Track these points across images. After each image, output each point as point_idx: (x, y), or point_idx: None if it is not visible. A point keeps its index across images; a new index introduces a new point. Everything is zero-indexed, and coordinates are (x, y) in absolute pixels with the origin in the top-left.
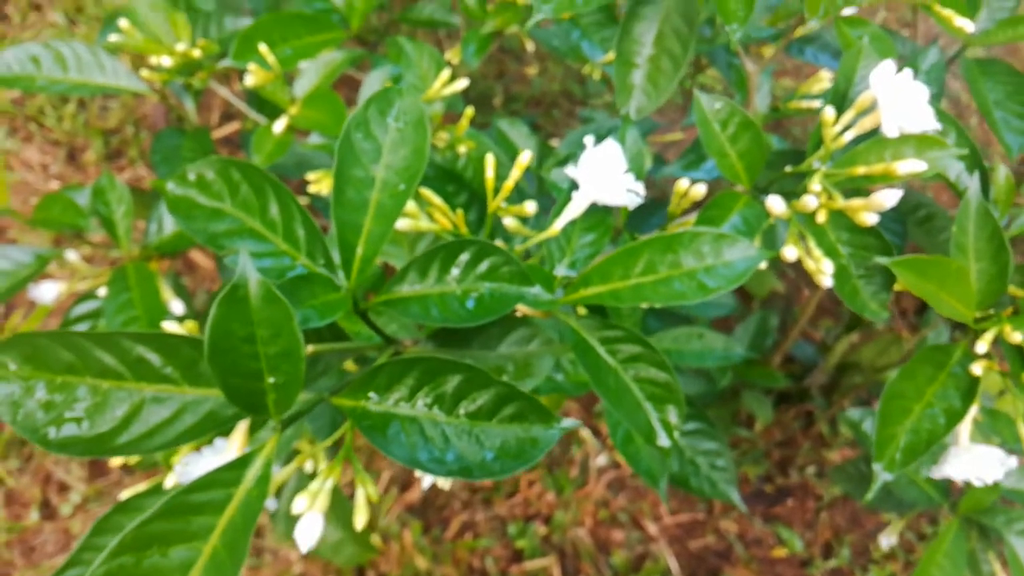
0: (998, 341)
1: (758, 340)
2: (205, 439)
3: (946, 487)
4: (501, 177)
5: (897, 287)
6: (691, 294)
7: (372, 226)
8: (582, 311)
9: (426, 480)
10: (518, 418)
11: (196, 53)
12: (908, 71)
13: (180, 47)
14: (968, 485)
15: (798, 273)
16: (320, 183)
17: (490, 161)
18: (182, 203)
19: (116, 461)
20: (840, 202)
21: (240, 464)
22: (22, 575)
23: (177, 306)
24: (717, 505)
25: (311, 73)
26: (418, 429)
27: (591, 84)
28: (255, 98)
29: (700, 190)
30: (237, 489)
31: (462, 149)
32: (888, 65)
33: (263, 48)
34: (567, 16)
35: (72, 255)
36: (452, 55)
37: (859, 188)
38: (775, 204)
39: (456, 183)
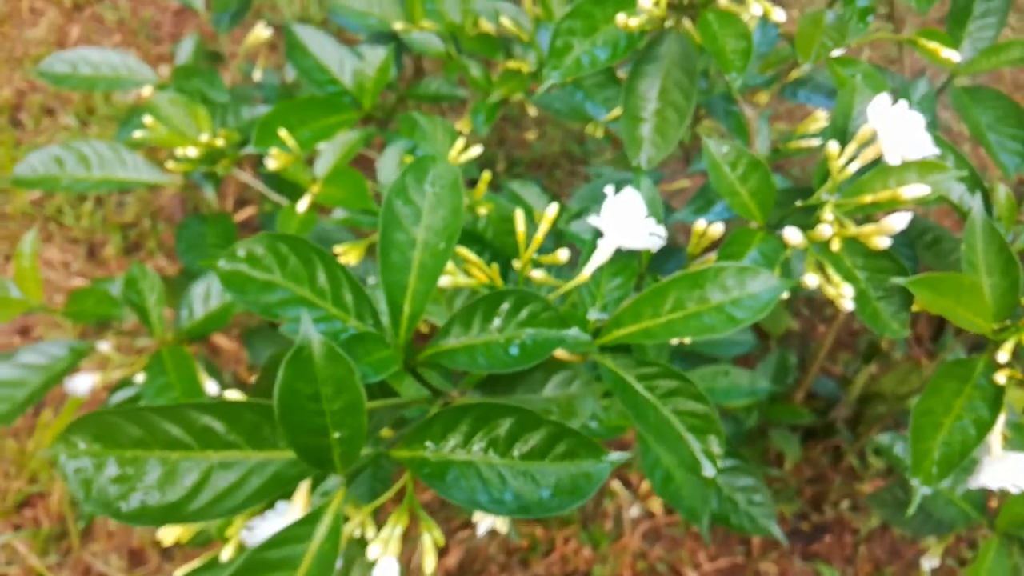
0: (1018, 353)
1: (779, 378)
2: (270, 501)
3: (983, 504)
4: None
5: (915, 308)
6: (720, 327)
7: (417, 284)
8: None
9: (482, 526)
10: (570, 455)
11: (219, 142)
12: (903, 102)
13: (204, 137)
14: (1004, 499)
15: (812, 310)
16: (348, 255)
17: (520, 216)
18: (235, 278)
19: (168, 539)
20: (852, 229)
21: (311, 520)
22: None
23: (212, 386)
24: (755, 548)
25: (329, 153)
26: (475, 472)
27: (591, 144)
28: (273, 181)
29: (718, 229)
30: (310, 543)
31: (482, 211)
32: (884, 98)
33: (283, 133)
34: (570, 79)
35: (104, 346)
36: (462, 125)
37: (868, 215)
38: (792, 235)
39: (479, 244)
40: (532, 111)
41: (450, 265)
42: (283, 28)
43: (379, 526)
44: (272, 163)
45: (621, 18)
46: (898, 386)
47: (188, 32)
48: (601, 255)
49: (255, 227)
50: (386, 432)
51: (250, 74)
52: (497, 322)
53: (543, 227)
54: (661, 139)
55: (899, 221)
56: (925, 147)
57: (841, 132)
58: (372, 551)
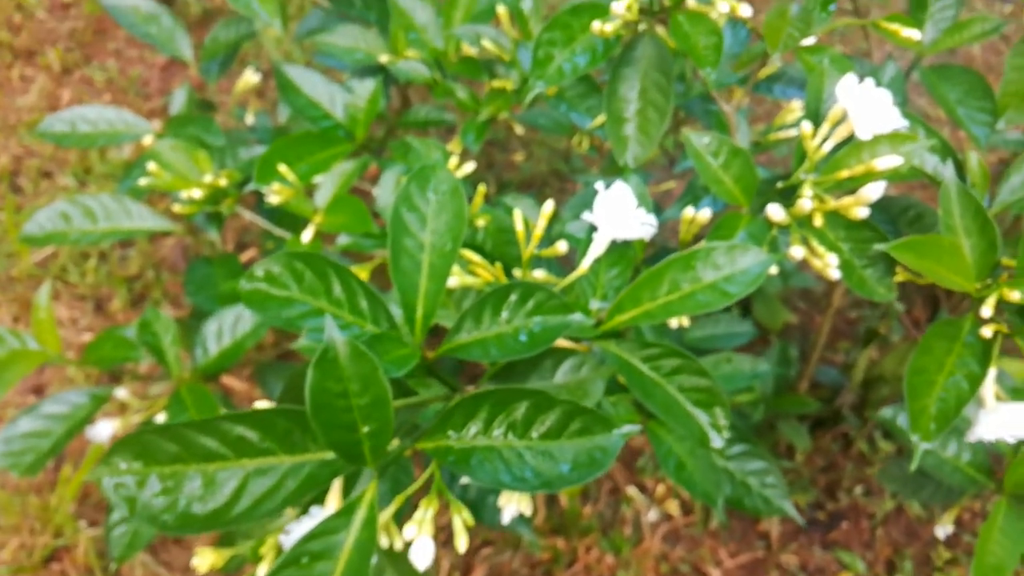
0: (1003, 310)
1: (781, 370)
2: (307, 502)
3: (989, 468)
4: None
5: (900, 277)
6: (715, 302)
7: (428, 285)
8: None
9: (507, 513)
10: (585, 432)
11: (223, 182)
12: (869, 80)
13: (207, 179)
14: (1008, 460)
15: (809, 303)
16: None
17: (519, 216)
18: (255, 296)
19: (203, 566)
20: (832, 203)
21: (347, 511)
22: None
23: None
24: (775, 541)
25: (329, 184)
26: (497, 455)
27: (577, 161)
28: (275, 217)
29: (706, 214)
30: (348, 533)
31: (480, 223)
32: (851, 78)
33: (283, 168)
34: (552, 93)
35: (122, 392)
36: (453, 146)
37: (846, 190)
38: (775, 212)
39: (478, 254)
40: (519, 129)
41: (456, 268)
42: (270, 72)
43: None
44: (274, 198)
45: (596, 25)
46: (899, 367)
47: (175, 86)
48: (597, 247)
49: None
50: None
51: (243, 118)
52: (506, 314)
53: (541, 223)
54: (645, 137)
55: (875, 191)
56: (894, 120)
57: (814, 114)
58: (408, 532)
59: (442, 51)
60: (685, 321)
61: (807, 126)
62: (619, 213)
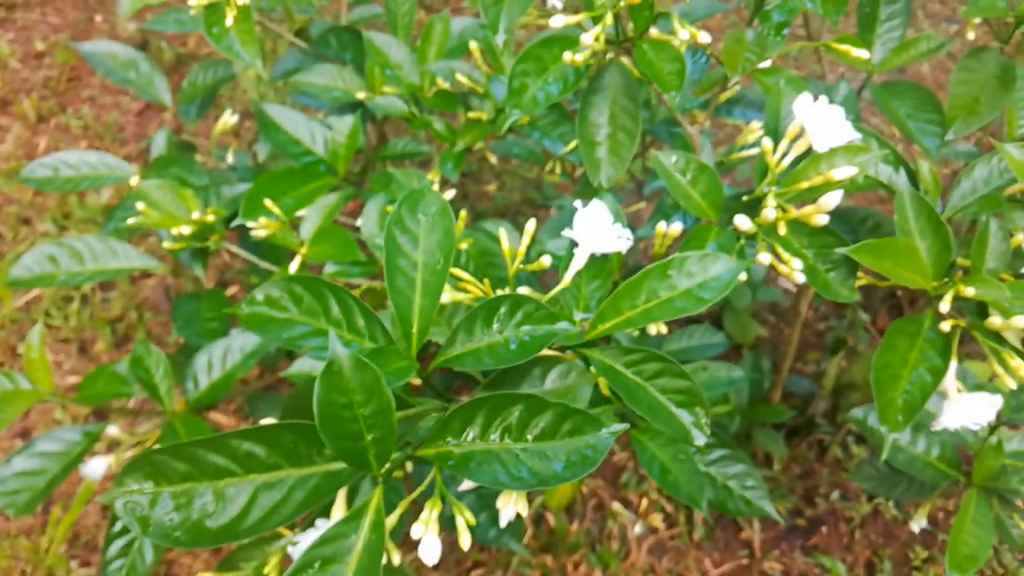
0: (962, 307)
1: (755, 381)
2: (314, 512)
3: (958, 462)
4: (493, 264)
5: (862, 281)
6: (691, 307)
7: (422, 301)
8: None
9: (504, 516)
10: (577, 431)
11: (211, 218)
12: (823, 97)
13: (196, 215)
14: (976, 455)
15: (778, 317)
16: None
17: (503, 234)
18: (256, 319)
19: None
20: (794, 212)
21: (355, 516)
22: None
23: None
24: (757, 548)
25: (313, 216)
26: (495, 458)
27: (547, 189)
28: (258, 251)
29: (677, 228)
30: (358, 537)
31: (463, 246)
32: (806, 96)
33: (268, 203)
34: (525, 121)
35: (113, 429)
36: (432, 176)
37: (807, 200)
38: (741, 222)
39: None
40: (492, 159)
41: (446, 286)
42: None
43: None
44: (261, 232)
45: (567, 55)
46: (867, 373)
47: (151, 131)
48: (578, 261)
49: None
50: None
51: (222, 158)
52: (497, 325)
53: (526, 240)
54: (616, 159)
55: (833, 199)
56: (848, 133)
57: (773, 131)
58: (416, 531)
59: (418, 86)
60: (663, 328)
61: (768, 142)
62: (597, 229)
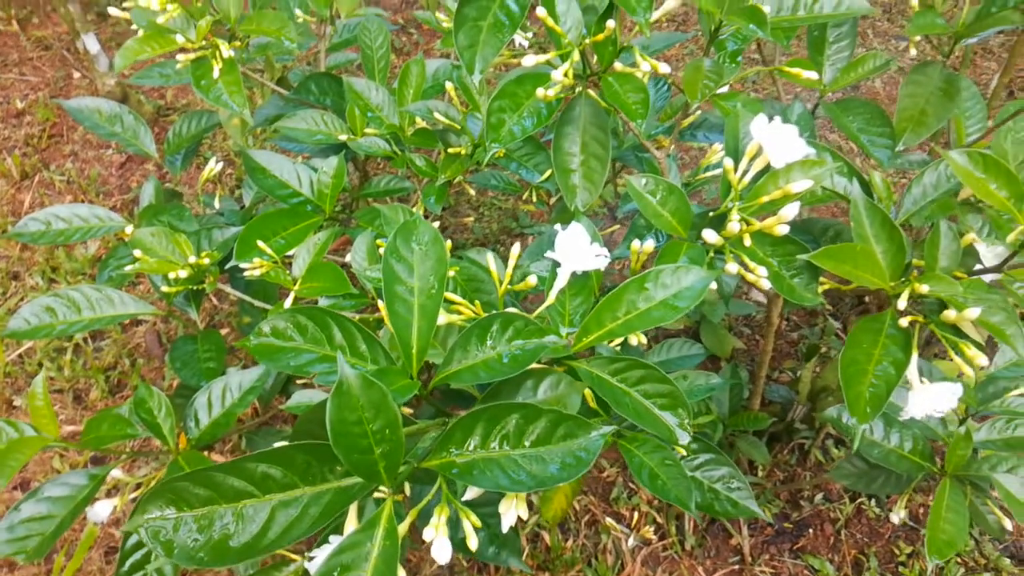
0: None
1: (734, 391)
2: (329, 525)
3: (931, 454)
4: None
5: (827, 286)
6: (668, 316)
7: (420, 323)
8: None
9: (505, 521)
10: (570, 435)
11: (205, 261)
12: (778, 118)
13: (192, 259)
14: (947, 447)
15: (753, 330)
16: None
17: (491, 258)
18: (265, 349)
19: None
20: (757, 224)
21: (369, 525)
22: None
23: None
24: (747, 554)
25: (304, 253)
26: (496, 464)
27: (523, 218)
28: (248, 291)
29: (649, 245)
30: (373, 543)
31: (450, 273)
32: (761, 117)
33: (261, 244)
34: (502, 154)
35: (117, 472)
36: (415, 209)
37: (768, 212)
38: (709, 235)
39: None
40: (471, 191)
41: (441, 309)
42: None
43: None
44: (255, 272)
45: (540, 91)
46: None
47: (134, 182)
48: (561, 280)
49: (232, 343)
50: None
51: (210, 204)
52: (490, 342)
53: (512, 262)
54: (590, 184)
55: (791, 211)
56: (802, 149)
57: (734, 151)
58: (427, 533)
59: (398, 126)
60: (643, 339)
61: (728, 162)
62: (576, 249)
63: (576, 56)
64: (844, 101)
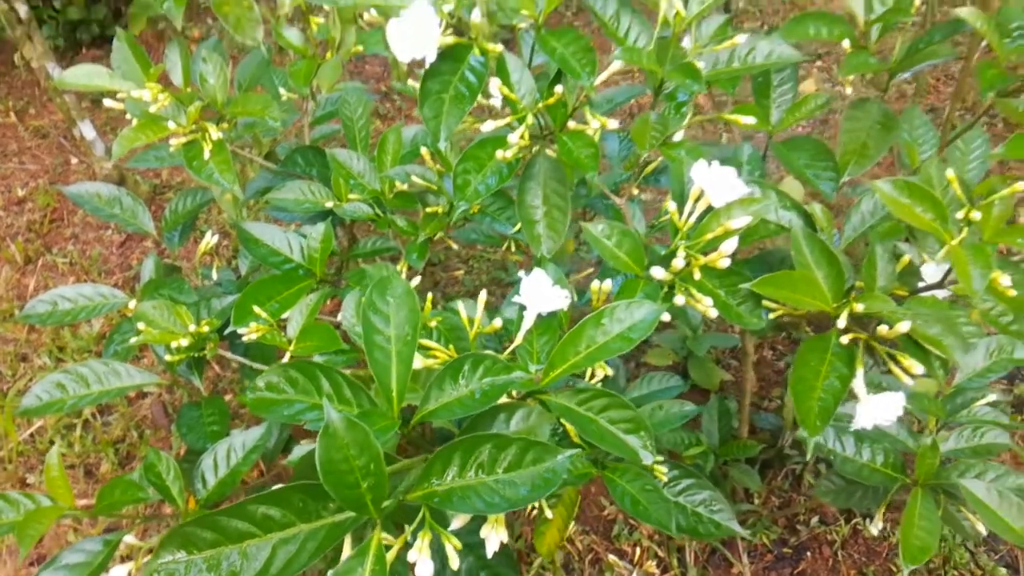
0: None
1: (723, 421)
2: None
3: (902, 465)
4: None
5: (781, 311)
6: (624, 347)
7: (398, 368)
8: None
9: (490, 546)
10: (539, 460)
11: (205, 329)
12: (715, 162)
13: (192, 328)
14: (916, 457)
15: (738, 361)
16: None
17: (462, 307)
18: (260, 403)
19: None
20: (703, 259)
21: (360, 553)
22: None
23: None
24: None
25: (298, 315)
26: (472, 491)
27: (512, 268)
28: (247, 356)
29: (608, 284)
30: (364, 568)
31: (432, 324)
32: (701, 163)
33: (256, 309)
34: (476, 210)
35: (130, 538)
36: (400, 266)
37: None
38: (656, 272)
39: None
40: (455, 246)
41: (418, 355)
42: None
43: None
44: (252, 336)
45: (499, 153)
46: None
47: (134, 260)
48: (527, 322)
49: (235, 408)
50: None
51: (205, 277)
52: (463, 381)
53: (480, 308)
54: (554, 232)
55: (730, 245)
56: (740, 189)
57: (679, 195)
58: (412, 555)
59: (379, 191)
60: (609, 371)
61: (672, 205)
62: (540, 292)
63: (530, 119)
64: (791, 140)
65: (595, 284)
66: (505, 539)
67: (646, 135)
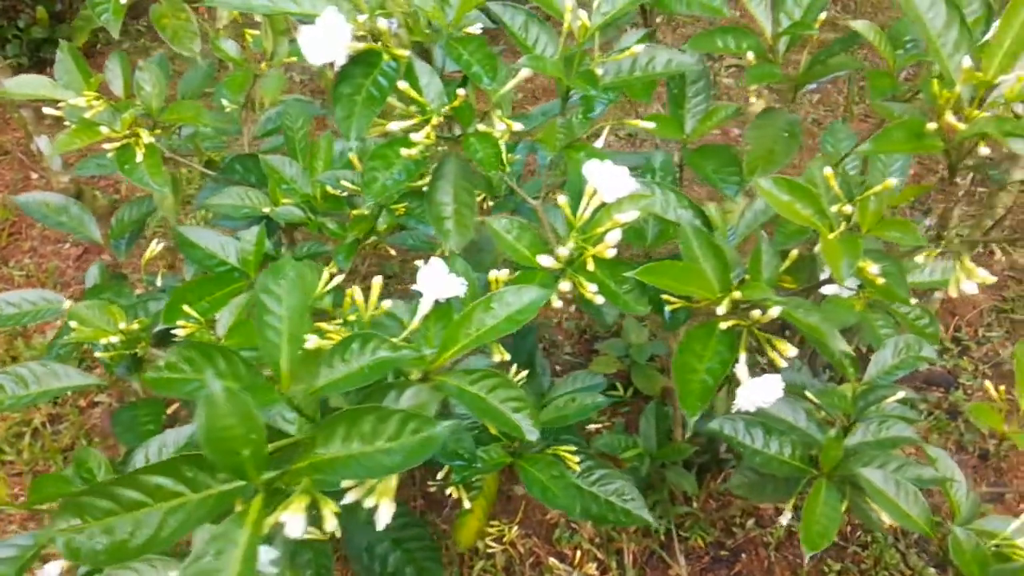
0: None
1: (661, 426)
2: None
3: (809, 457)
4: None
5: (678, 304)
6: (511, 328)
7: (288, 347)
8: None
9: (381, 519)
10: (418, 430)
11: (135, 326)
12: (608, 162)
13: (123, 326)
14: (822, 449)
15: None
16: None
17: (357, 290)
18: (160, 382)
19: None
20: (592, 250)
21: (240, 516)
22: None
23: None
24: None
25: (227, 315)
26: (354, 460)
27: None
28: None
29: (504, 274)
30: (243, 531)
31: (351, 318)
32: (593, 163)
33: (186, 308)
34: (402, 212)
35: None
36: (330, 268)
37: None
38: (543, 260)
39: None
40: (392, 251)
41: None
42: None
43: None
44: (181, 332)
45: (405, 151)
46: None
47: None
48: (424, 308)
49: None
50: None
51: (153, 283)
52: (352, 357)
53: (374, 293)
54: (463, 228)
55: (613, 237)
56: (630, 186)
57: (577, 192)
58: (284, 516)
59: (311, 195)
60: (506, 355)
61: (562, 199)
62: (436, 281)
63: (435, 120)
64: (702, 148)
65: (492, 273)
66: (391, 506)
67: (554, 138)
